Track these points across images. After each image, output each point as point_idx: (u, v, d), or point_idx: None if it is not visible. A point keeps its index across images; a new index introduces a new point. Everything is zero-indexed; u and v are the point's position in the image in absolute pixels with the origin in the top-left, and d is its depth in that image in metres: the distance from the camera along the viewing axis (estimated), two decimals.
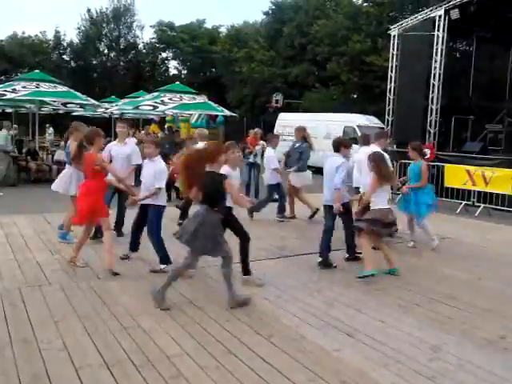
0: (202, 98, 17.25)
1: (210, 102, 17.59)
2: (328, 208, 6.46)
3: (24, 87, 14.11)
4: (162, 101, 15.39)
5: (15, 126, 15.15)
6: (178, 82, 18.71)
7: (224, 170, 5.25)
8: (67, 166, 7.19)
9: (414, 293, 5.48)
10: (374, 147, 7.32)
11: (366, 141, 8.01)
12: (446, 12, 14.59)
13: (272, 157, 9.53)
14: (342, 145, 6.58)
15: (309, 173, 9.75)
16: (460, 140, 16.87)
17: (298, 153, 9.59)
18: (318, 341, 4.14)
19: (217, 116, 23.75)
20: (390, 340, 4.19)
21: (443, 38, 14.80)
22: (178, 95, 15.91)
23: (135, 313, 4.57)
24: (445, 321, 4.71)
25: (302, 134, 9.77)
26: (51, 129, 24.47)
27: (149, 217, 5.90)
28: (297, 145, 9.75)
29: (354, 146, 8.33)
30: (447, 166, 12.31)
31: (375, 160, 6.15)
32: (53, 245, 6.87)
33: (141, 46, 43.62)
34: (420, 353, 3.98)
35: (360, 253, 6.44)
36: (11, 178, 13.34)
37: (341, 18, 31.23)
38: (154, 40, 44.06)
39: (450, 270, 6.45)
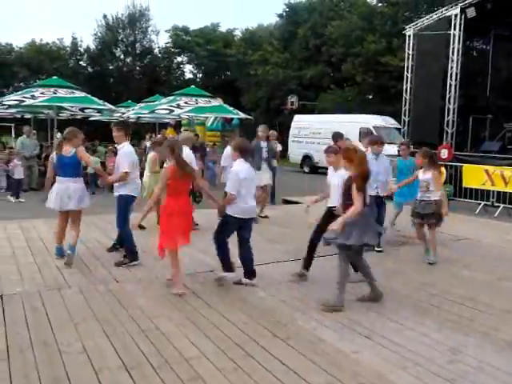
0: (217, 101, 17.32)
1: (225, 104, 17.66)
2: None
3: (42, 93, 14.33)
4: (177, 104, 15.49)
5: (34, 131, 15.40)
6: (193, 86, 18.82)
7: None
8: (76, 178, 6.25)
9: (431, 294, 5.44)
10: None
11: None
12: (462, 10, 14.47)
13: (226, 155, 9.31)
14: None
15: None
16: (478, 140, 16.69)
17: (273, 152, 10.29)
18: (335, 343, 4.13)
19: (232, 119, 23.83)
20: (408, 342, 4.16)
21: (459, 36, 14.68)
22: (193, 99, 16.00)
23: (153, 315, 4.61)
24: (464, 322, 4.67)
25: (267, 134, 10.35)
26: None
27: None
28: (265, 144, 10.05)
29: None
30: (465, 166, 12.18)
31: (433, 156, 6.58)
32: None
33: (156, 50, 43.94)
34: (439, 355, 3.94)
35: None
36: (33, 182, 13.64)
37: (355, 18, 31.11)
38: (169, 44, 44.37)
39: (469, 271, 6.38)
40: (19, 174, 12.26)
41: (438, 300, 5.25)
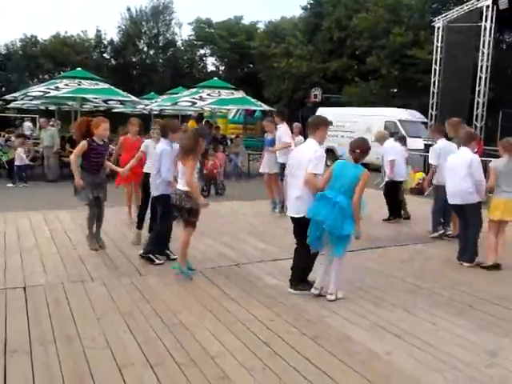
0: (239, 94, 17.15)
1: (247, 96, 17.47)
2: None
3: (66, 85, 14.33)
4: (200, 96, 15.39)
5: (51, 122, 15.40)
6: (215, 78, 18.68)
7: None
8: None
9: (465, 293, 5.22)
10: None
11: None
12: (494, 2, 14.04)
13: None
14: None
15: None
16: (508, 134, 16.19)
17: None
18: (365, 342, 3.96)
19: (254, 111, 23.69)
20: (442, 343, 3.97)
21: (491, 28, 14.26)
22: (216, 90, 15.88)
23: (176, 310, 4.50)
24: (500, 324, 4.45)
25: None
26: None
27: None
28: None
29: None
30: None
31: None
32: None
33: (179, 43, 44.01)
34: (476, 358, 3.75)
35: None
36: (51, 173, 13.80)
37: (381, 10, 30.56)
38: (192, 37, 44.34)
39: (505, 270, 6.12)
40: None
41: (472, 300, 5.03)
